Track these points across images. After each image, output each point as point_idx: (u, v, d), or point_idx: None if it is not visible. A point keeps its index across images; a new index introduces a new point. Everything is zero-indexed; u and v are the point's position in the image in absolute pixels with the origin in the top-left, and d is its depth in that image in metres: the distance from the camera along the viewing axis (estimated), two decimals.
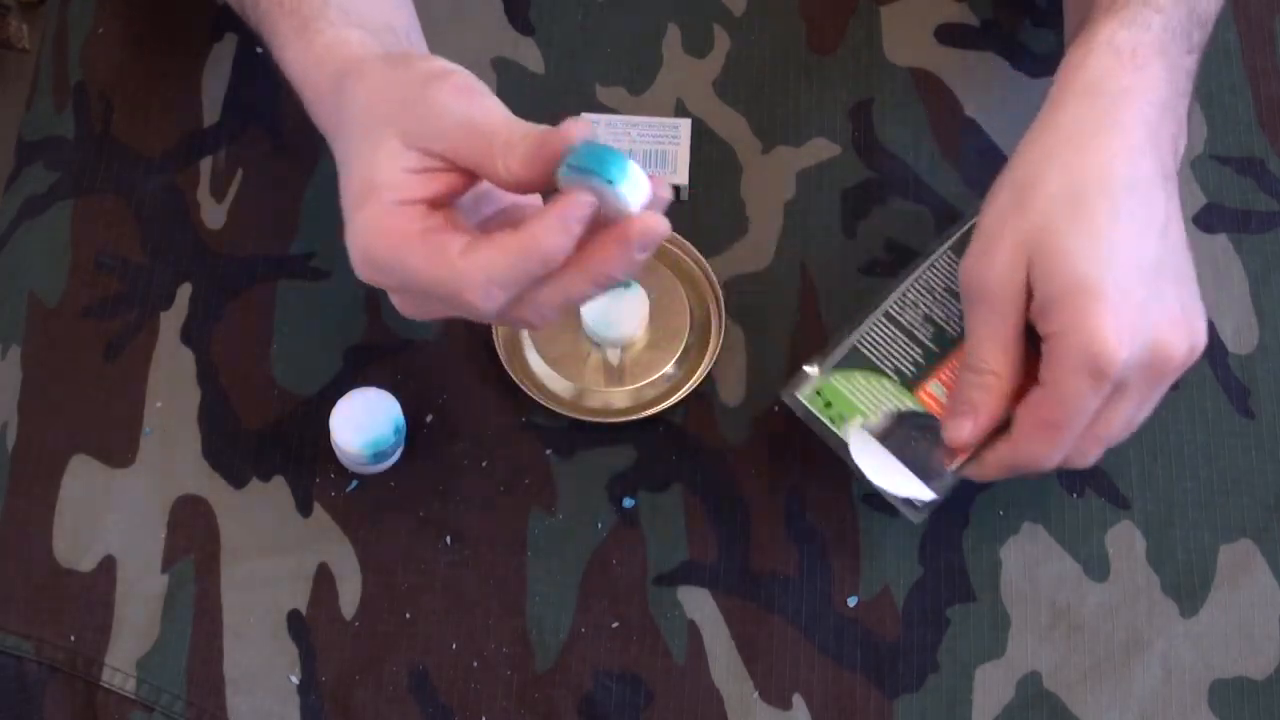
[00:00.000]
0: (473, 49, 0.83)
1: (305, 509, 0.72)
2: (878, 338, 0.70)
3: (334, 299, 0.77)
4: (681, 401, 0.74)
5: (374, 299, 0.77)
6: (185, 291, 0.77)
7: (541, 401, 0.74)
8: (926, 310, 0.70)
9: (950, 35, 0.84)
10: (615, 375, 0.75)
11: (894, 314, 0.70)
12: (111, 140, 0.81)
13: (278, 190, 0.80)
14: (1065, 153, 0.64)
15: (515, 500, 0.73)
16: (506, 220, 0.63)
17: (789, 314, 0.77)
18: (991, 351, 0.64)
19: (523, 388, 0.74)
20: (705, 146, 0.81)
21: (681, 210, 0.80)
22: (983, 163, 0.81)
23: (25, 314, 0.77)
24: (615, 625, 0.70)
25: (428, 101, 0.60)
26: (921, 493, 0.67)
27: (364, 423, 0.71)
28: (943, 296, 0.71)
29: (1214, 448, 0.74)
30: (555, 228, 0.57)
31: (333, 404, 0.72)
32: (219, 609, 0.70)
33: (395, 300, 0.63)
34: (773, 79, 0.83)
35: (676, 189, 0.79)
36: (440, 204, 0.61)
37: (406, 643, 0.70)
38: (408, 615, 0.70)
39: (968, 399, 0.65)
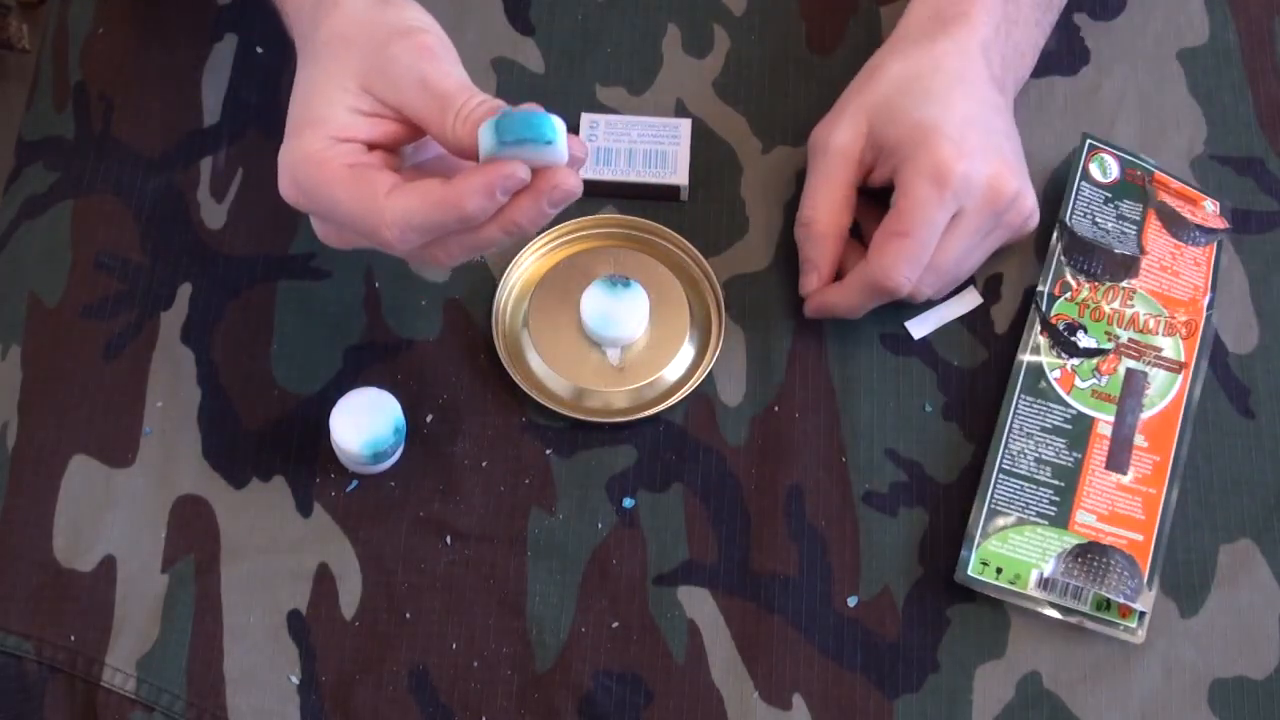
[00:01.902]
0: (473, 49, 0.83)
1: (305, 509, 0.72)
2: (1006, 494, 0.71)
3: (334, 299, 0.77)
4: (681, 401, 0.74)
5: (374, 299, 0.77)
6: (185, 291, 0.77)
7: (541, 401, 0.74)
8: (1035, 453, 0.72)
9: None
10: (615, 375, 0.75)
11: (1008, 468, 0.72)
12: (111, 140, 0.81)
13: (277, 190, 0.80)
14: (907, 48, 0.75)
15: (515, 500, 0.73)
16: (441, 167, 0.66)
17: (789, 314, 0.77)
18: (817, 202, 0.75)
19: (523, 388, 0.74)
20: (705, 146, 0.81)
21: (681, 210, 0.80)
22: None
23: (25, 314, 0.77)
24: (615, 625, 0.70)
25: (389, 54, 0.62)
26: (1140, 601, 0.69)
27: (364, 423, 0.71)
28: (1041, 436, 0.72)
29: (1214, 448, 0.75)
30: (481, 193, 0.59)
31: (333, 404, 0.72)
32: (219, 609, 0.70)
33: (314, 225, 0.66)
34: (773, 79, 0.83)
35: (677, 189, 0.79)
36: (381, 147, 0.64)
37: (406, 643, 0.70)
38: (408, 615, 0.70)
39: (804, 256, 0.75)
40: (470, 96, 0.61)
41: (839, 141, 0.74)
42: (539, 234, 0.78)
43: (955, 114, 0.72)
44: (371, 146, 0.64)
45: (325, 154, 0.62)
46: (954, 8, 0.75)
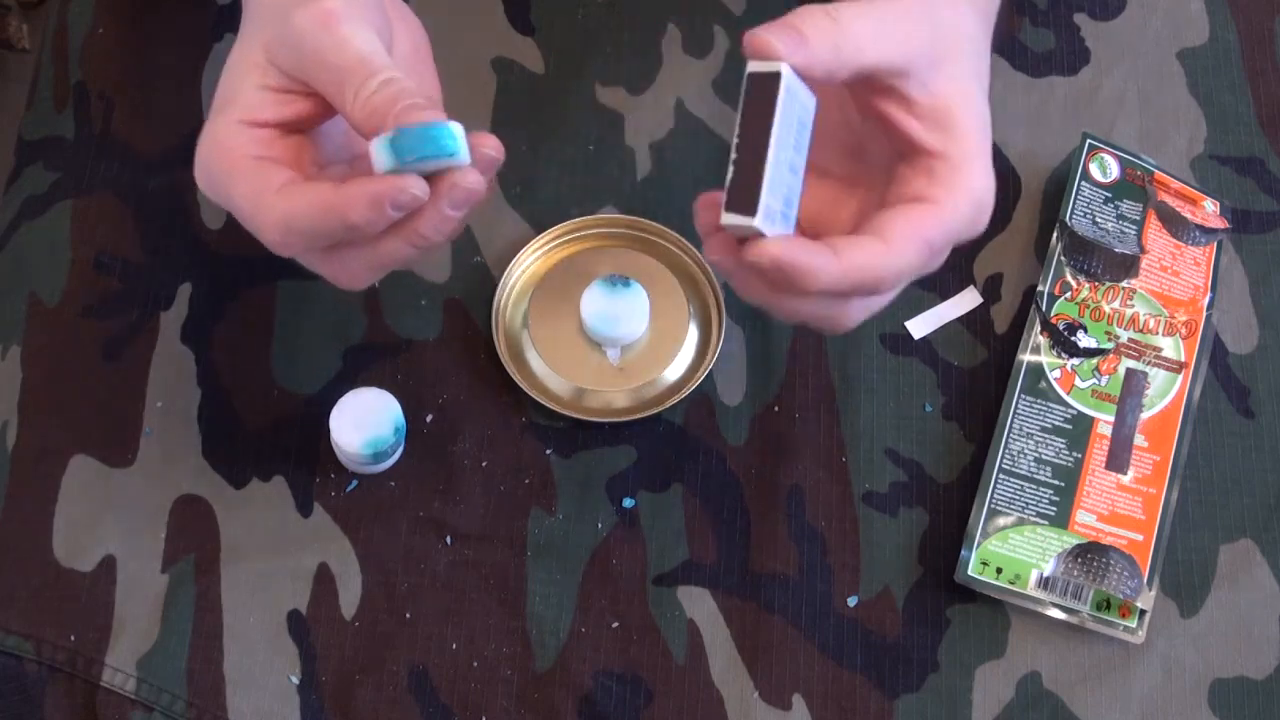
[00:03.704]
0: (473, 49, 0.83)
1: (305, 509, 0.72)
2: (1006, 494, 0.71)
3: (334, 299, 0.77)
4: (681, 401, 0.74)
5: (374, 299, 0.77)
6: (185, 291, 0.77)
7: (541, 401, 0.74)
8: (1035, 453, 0.72)
9: None
10: (615, 375, 0.75)
11: (1008, 468, 0.72)
12: (111, 140, 0.81)
13: None
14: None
15: (515, 500, 0.73)
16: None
17: None
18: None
19: (523, 388, 0.74)
20: (706, 147, 0.81)
21: (682, 210, 0.80)
22: None
23: (25, 314, 0.77)
24: (615, 625, 0.70)
25: (290, 24, 0.57)
26: (1141, 600, 0.70)
27: (364, 423, 0.71)
28: (1041, 436, 0.72)
29: (1214, 448, 0.75)
30: (366, 204, 0.54)
31: (333, 404, 0.72)
32: (219, 609, 0.70)
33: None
34: None
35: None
36: (298, 128, 0.59)
37: (406, 643, 0.70)
38: (408, 615, 0.70)
39: None
40: (369, 75, 0.55)
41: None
42: (539, 234, 0.78)
43: (985, 123, 0.59)
44: (289, 130, 0.59)
45: (230, 141, 0.57)
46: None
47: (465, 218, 0.57)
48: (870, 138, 0.59)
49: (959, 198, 0.56)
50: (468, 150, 0.55)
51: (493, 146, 0.56)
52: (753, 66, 0.53)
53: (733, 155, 0.53)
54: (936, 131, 0.57)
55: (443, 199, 0.55)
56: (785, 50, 0.53)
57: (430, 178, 0.55)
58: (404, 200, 0.54)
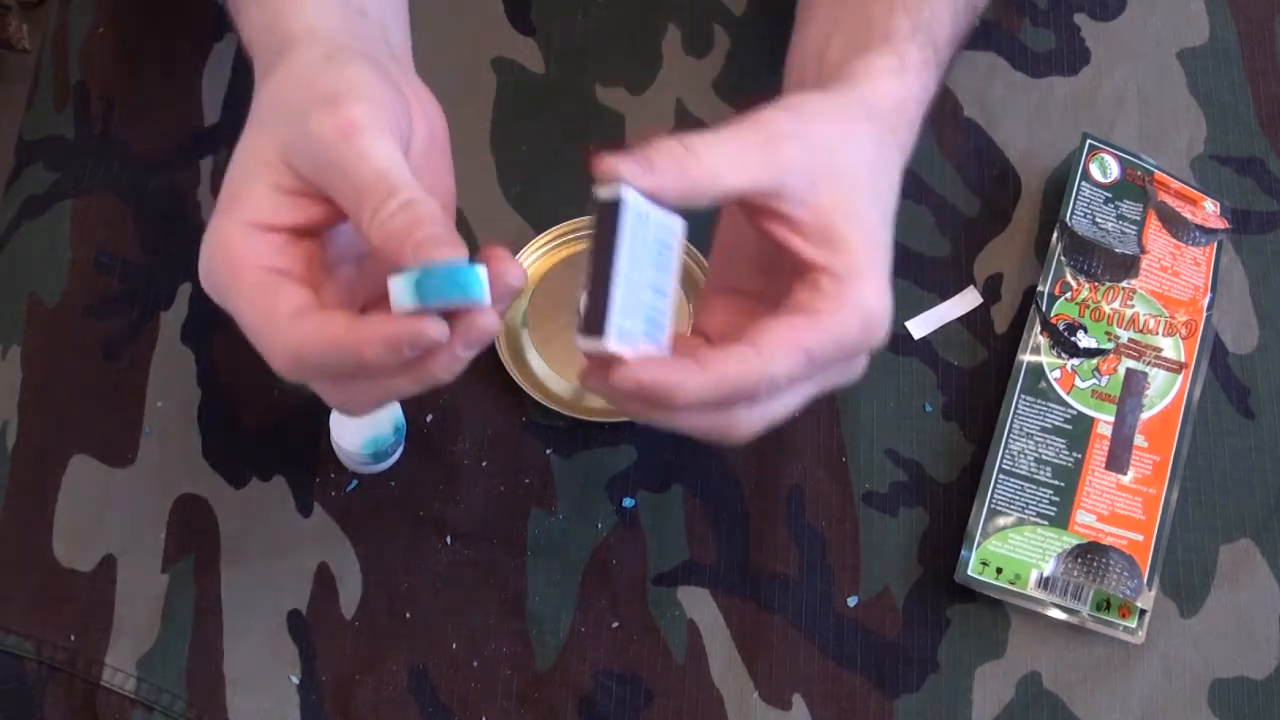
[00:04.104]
0: (473, 49, 0.83)
1: (305, 509, 0.72)
2: (1006, 494, 0.71)
3: None
4: None
5: None
6: (185, 291, 0.77)
7: (542, 401, 0.74)
8: (1035, 453, 0.72)
9: None
10: None
11: (1008, 468, 0.72)
12: (111, 140, 0.81)
13: None
14: (827, 123, 0.59)
15: (515, 500, 0.73)
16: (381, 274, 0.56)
17: None
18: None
19: (523, 388, 0.74)
20: None
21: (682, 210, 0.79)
22: (983, 163, 0.81)
23: (25, 314, 0.77)
24: (615, 625, 0.70)
25: (307, 127, 0.54)
26: (1141, 600, 0.70)
27: (364, 422, 0.71)
28: (1041, 436, 0.72)
29: (1214, 448, 0.75)
30: (383, 345, 0.52)
31: None
32: (219, 609, 0.70)
33: None
34: (772, 79, 0.83)
35: None
36: (310, 233, 0.56)
37: (406, 643, 0.70)
38: (408, 615, 0.70)
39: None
40: (388, 195, 0.52)
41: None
42: (539, 234, 0.78)
43: (884, 245, 0.58)
44: (299, 234, 0.56)
45: (240, 250, 0.54)
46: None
47: (475, 356, 0.55)
48: (779, 253, 0.58)
49: (845, 312, 0.56)
50: (489, 292, 0.53)
51: (515, 276, 0.53)
52: (599, 193, 0.53)
53: (583, 282, 0.53)
54: (820, 247, 0.56)
55: (457, 340, 0.53)
56: (628, 174, 0.53)
57: (445, 314, 0.53)
58: (423, 343, 0.52)
